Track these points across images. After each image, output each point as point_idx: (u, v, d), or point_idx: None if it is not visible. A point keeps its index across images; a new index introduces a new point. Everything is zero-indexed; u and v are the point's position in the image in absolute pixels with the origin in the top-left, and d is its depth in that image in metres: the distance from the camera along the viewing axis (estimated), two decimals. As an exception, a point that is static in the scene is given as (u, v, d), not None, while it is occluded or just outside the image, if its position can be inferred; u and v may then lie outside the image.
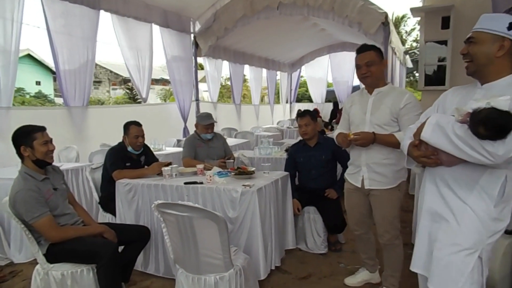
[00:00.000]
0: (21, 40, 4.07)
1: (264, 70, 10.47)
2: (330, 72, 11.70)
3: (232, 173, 2.96)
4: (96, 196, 3.32)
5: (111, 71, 26.08)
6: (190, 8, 6.49)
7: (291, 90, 12.13)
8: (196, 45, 7.00)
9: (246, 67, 9.55)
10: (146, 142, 3.37)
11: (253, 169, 3.01)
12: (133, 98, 20.20)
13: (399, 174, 2.28)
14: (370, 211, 2.43)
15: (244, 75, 10.73)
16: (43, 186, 2.20)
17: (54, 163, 2.38)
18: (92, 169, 3.38)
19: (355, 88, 10.20)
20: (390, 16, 5.56)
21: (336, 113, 10.13)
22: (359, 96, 2.42)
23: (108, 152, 3.20)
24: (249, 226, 2.56)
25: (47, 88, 21.99)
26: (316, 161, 3.34)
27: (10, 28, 3.93)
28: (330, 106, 11.37)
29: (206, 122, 3.73)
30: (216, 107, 8.24)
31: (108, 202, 3.14)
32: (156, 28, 6.11)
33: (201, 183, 2.76)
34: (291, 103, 12.41)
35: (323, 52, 10.76)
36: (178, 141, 5.95)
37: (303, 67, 11.96)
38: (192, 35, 6.95)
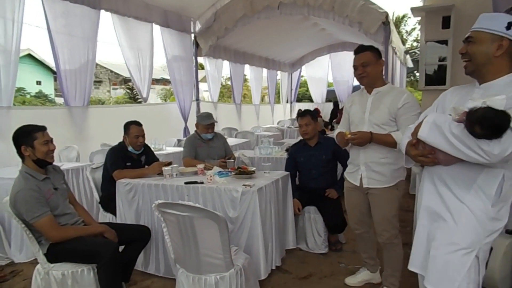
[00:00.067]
0: (22, 40, 4.07)
1: (265, 70, 10.46)
2: (330, 72, 11.71)
3: (233, 173, 2.96)
4: (96, 196, 3.33)
5: (111, 71, 26.10)
6: (190, 8, 6.50)
7: (291, 90, 12.14)
8: (197, 44, 6.99)
9: (247, 67, 9.54)
10: (146, 142, 3.38)
11: (254, 169, 3.02)
12: (133, 98, 20.23)
13: (397, 173, 2.28)
14: (370, 209, 2.43)
15: (245, 75, 10.73)
16: (43, 186, 2.21)
17: (54, 163, 2.39)
18: (92, 169, 3.38)
19: (355, 88, 10.20)
20: (390, 15, 5.54)
21: (336, 112, 10.11)
22: (359, 95, 2.43)
23: (109, 152, 3.20)
24: (249, 226, 2.56)
25: (48, 88, 22.02)
26: (316, 160, 3.34)
27: (10, 28, 3.93)
28: (330, 106, 11.35)
29: (206, 122, 3.73)
30: (217, 107, 8.24)
31: (108, 201, 3.14)
32: (156, 28, 6.11)
33: (202, 183, 2.76)
34: (291, 103, 12.41)
35: (323, 51, 10.76)
36: (179, 141, 5.94)
37: (303, 67, 11.96)
38: (192, 35, 6.95)
